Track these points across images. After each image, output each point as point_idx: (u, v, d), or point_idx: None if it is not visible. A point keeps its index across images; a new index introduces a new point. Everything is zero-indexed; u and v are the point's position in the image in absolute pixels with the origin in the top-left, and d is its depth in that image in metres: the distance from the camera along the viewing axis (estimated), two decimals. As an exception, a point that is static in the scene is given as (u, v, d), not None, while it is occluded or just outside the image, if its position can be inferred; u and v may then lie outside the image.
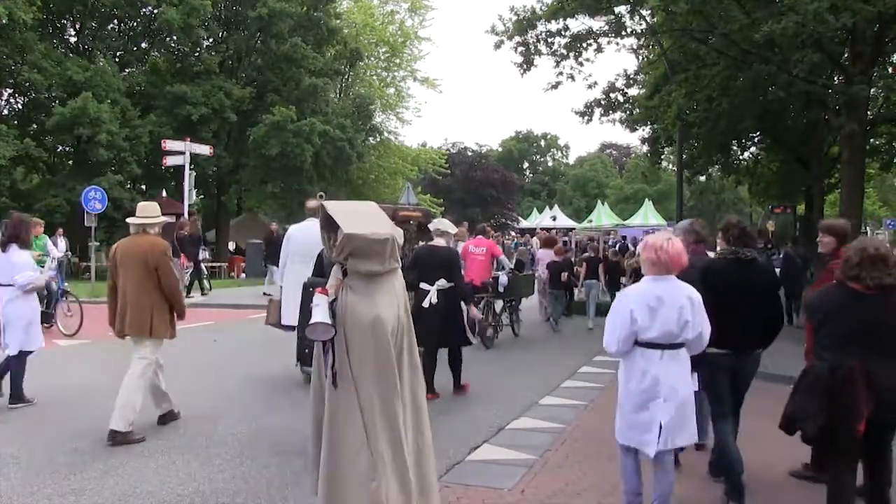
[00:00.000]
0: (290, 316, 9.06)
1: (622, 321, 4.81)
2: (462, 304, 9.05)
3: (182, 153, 23.46)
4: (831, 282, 5.00)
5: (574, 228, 45.20)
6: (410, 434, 4.29)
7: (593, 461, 6.43)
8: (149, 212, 7.27)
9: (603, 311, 11.55)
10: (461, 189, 55.15)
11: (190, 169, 23.69)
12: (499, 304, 13.87)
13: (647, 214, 51.81)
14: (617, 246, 27.29)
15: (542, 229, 41.95)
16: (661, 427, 4.72)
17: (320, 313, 4.07)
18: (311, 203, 9.77)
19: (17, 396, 8.05)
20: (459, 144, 65.62)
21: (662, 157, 31.79)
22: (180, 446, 6.61)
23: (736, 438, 5.58)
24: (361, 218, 4.38)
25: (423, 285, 8.70)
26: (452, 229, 9.46)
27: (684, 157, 23.88)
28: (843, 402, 4.50)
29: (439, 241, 9.14)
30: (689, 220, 7.19)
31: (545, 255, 17.05)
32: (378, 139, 43.51)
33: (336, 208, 4.40)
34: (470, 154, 63.09)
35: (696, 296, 4.89)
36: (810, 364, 4.88)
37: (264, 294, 19.03)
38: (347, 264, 4.21)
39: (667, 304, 4.78)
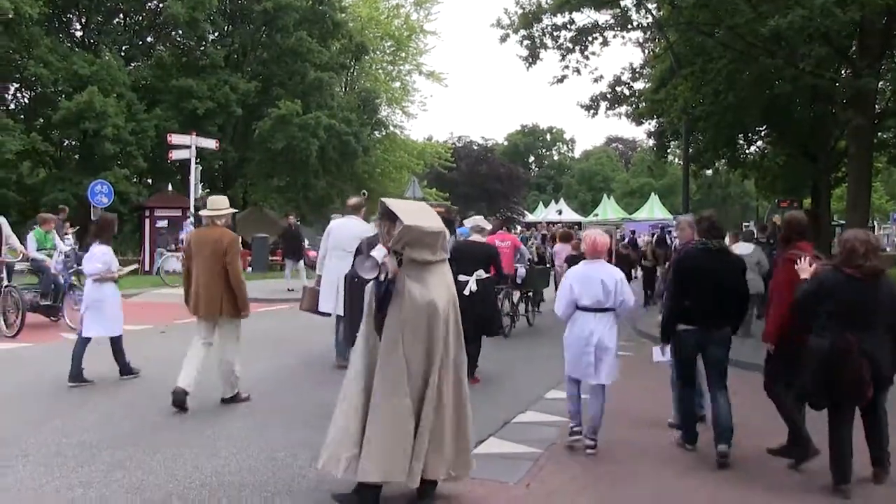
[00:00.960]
0: (327, 304, 9.86)
1: (565, 292, 6.60)
2: (498, 294, 10.15)
3: (188, 147, 23.46)
4: (790, 270, 5.96)
5: (580, 223, 45.09)
6: (451, 409, 4.99)
7: (598, 456, 6.48)
8: (218, 205, 8.09)
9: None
10: (467, 183, 55.08)
11: (196, 163, 23.70)
12: (516, 295, 14.41)
13: (654, 208, 51.95)
14: (626, 240, 27.37)
15: (547, 223, 41.90)
16: (594, 365, 6.45)
17: (378, 254, 4.83)
18: (353, 200, 10.76)
19: (125, 370, 9.21)
20: (465, 138, 65.68)
21: (668, 150, 31.78)
22: (188, 440, 6.65)
23: (730, 410, 6.34)
24: (417, 213, 5.08)
25: (462, 277, 9.00)
26: (488, 226, 10.56)
27: (690, 150, 23.84)
28: (851, 375, 5.36)
29: (477, 237, 9.90)
30: (691, 213, 8.20)
31: (562, 249, 17.45)
32: (384, 133, 43.51)
33: (395, 204, 5.10)
34: (476, 148, 63.08)
35: (620, 274, 6.61)
36: (809, 341, 5.58)
37: (289, 290, 19.36)
38: (403, 253, 4.90)
39: (594, 279, 6.50)
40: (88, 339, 9.01)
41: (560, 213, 54.49)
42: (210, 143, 25.23)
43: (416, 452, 4.82)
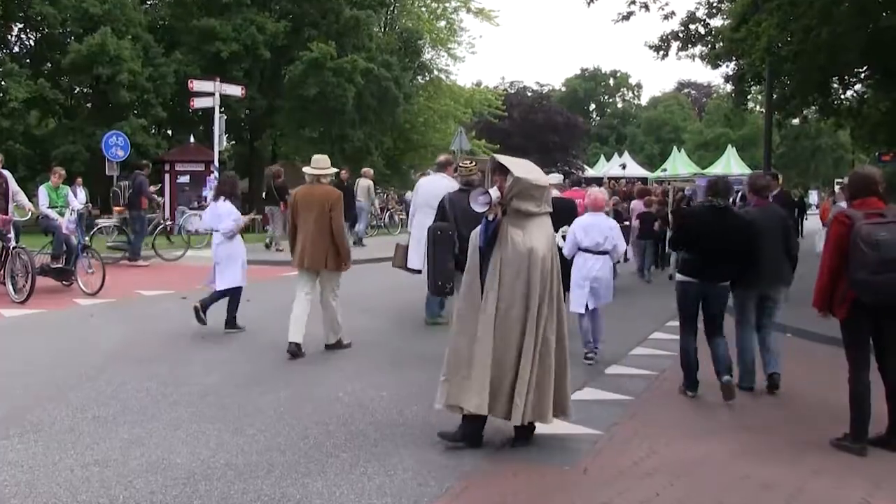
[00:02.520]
0: (416, 260, 10.99)
1: (572, 238, 9.22)
2: None
3: (211, 94, 23.60)
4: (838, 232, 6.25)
5: (646, 178, 44.48)
6: (551, 354, 5.87)
7: (664, 438, 6.45)
8: (322, 164, 9.41)
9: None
10: (520, 133, 54.65)
11: (220, 112, 23.86)
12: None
13: (730, 162, 50.73)
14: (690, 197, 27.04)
15: (609, 179, 41.43)
16: (592, 293, 9.14)
17: (494, 193, 5.84)
18: (442, 157, 12.32)
19: (231, 323, 10.53)
20: (518, 84, 65.23)
21: (749, 97, 31.06)
22: (211, 415, 6.74)
23: (726, 348, 7.63)
24: (525, 167, 6.04)
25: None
26: (556, 181, 11.38)
27: (774, 96, 23.31)
28: None
29: (556, 193, 10.61)
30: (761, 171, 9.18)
31: (637, 206, 18.41)
32: (427, 78, 43.31)
33: (505, 158, 6.12)
34: (530, 95, 62.62)
35: (615, 224, 9.54)
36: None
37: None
38: (511, 204, 5.83)
39: (594, 228, 9.21)
40: (224, 292, 10.51)
41: (624, 167, 53.95)
42: (236, 90, 25.39)
43: (517, 390, 5.71)
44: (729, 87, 29.90)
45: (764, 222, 7.89)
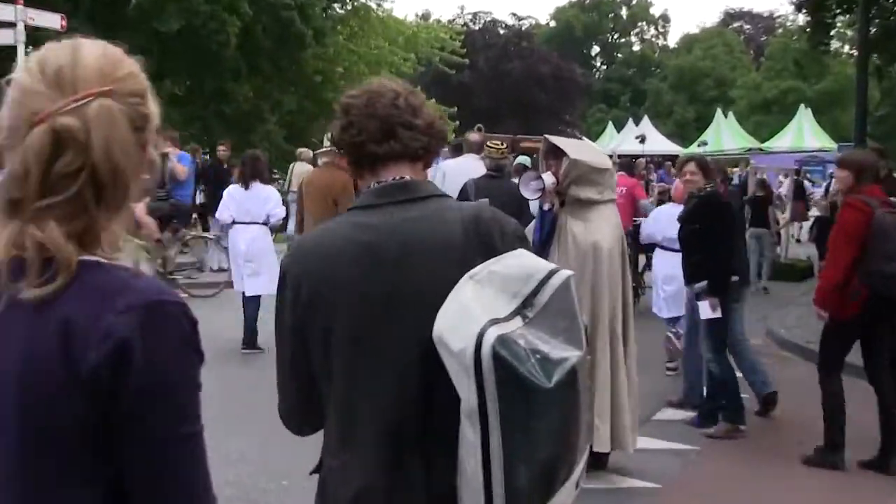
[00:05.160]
0: None
1: (652, 227, 12.08)
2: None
3: (12, 26, 22.99)
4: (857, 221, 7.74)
5: (674, 157, 43.20)
6: (624, 366, 7.07)
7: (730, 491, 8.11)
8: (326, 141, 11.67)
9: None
10: (487, 90, 54.43)
11: (26, 52, 23.18)
12: (641, 260, 16.69)
13: (803, 131, 48.09)
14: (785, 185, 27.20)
15: (620, 157, 40.47)
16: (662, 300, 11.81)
17: (548, 179, 6.82)
18: (474, 136, 13.66)
19: (252, 342, 12.74)
20: (485, 16, 65.02)
21: (832, 34, 31.10)
22: (226, 422, 8.12)
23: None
24: (582, 147, 7.21)
25: None
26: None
27: (871, 31, 23.17)
28: None
29: None
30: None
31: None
32: (349, 7, 42.95)
33: (558, 139, 7.22)
34: (502, 33, 62.57)
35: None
36: None
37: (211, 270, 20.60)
38: (569, 192, 6.87)
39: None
40: (257, 298, 12.57)
41: (643, 140, 48.80)
42: (52, 20, 24.72)
43: (597, 408, 6.69)
44: (802, 19, 29.94)
45: None
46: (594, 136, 60.12)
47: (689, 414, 10.25)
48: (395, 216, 3.02)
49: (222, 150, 23.10)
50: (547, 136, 7.38)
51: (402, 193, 3.08)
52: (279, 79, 36.42)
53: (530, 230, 6.92)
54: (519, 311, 2.78)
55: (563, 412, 2.74)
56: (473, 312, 2.74)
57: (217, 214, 14.06)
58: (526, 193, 6.75)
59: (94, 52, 2.07)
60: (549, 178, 6.74)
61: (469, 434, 2.76)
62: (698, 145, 48.73)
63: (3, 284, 1.85)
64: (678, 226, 9.99)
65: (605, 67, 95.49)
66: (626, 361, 7.15)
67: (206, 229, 23.60)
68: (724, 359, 9.55)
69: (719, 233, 9.29)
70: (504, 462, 2.70)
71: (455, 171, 12.47)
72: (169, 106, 34.31)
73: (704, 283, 9.24)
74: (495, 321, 2.72)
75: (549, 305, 2.81)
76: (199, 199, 23.09)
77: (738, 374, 9.90)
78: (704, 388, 10.13)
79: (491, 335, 2.64)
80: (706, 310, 9.32)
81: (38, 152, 1.86)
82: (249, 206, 12.68)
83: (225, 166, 22.18)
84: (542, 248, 6.70)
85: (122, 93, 1.99)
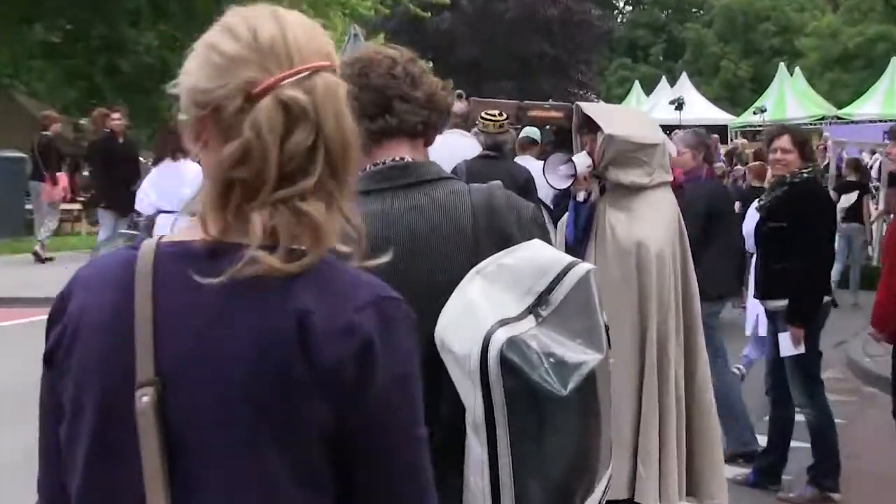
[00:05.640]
0: None
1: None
2: None
3: None
4: None
5: (725, 127, 40.00)
6: (680, 398, 5.59)
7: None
8: None
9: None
10: (472, 40, 49.70)
11: None
12: None
13: (893, 93, 40.14)
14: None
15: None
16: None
17: (581, 161, 5.53)
18: (456, 105, 11.11)
19: None
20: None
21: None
22: None
23: None
24: (623, 119, 6.00)
25: None
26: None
27: None
28: None
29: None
30: None
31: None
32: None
33: (593, 108, 6.05)
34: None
35: None
36: None
37: None
38: (607, 175, 5.60)
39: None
40: None
41: (679, 106, 43.86)
42: None
43: (640, 457, 5.48)
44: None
45: None
46: (616, 101, 49.98)
47: (740, 470, 8.47)
48: (397, 204, 2.81)
49: (116, 120, 18.47)
50: (579, 103, 6.16)
51: (403, 177, 2.88)
52: (192, 24, 28.04)
53: (562, 225, 5.99)
54: (532, 309, 2.56)
55: (580, 423, 2.55)
56: (480, 312, 2.53)
57: (137, 206, 12.11)
58: (553, 182, 5.72)
59: (300, 22, 1.95)
60: (582, 159, 5.59)
61: (475, 448, 2.58)
62: (754, 112, 41.25)
63: (205, 268, 1.76)
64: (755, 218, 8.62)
65: (630, 9, 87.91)
66: (696, 395, 5.80)
67: (92, 224, 22.69)
68: (821, 403, 7.99)
69: (816, 235, 7.77)
70: (514, 480, 2.52)
71: (438, 153, 10.53)
72: (41, 59, 30.91)
73: (784, 302, 7.75)
74: (505, 321, 2.52)
75: (566, 303, 2.58)
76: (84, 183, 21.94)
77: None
78: (748, 432, 8.73)
79: (499, 337, 2.43)
80: (787, 345, 7.72)
81: (271, 128, 1.77)
82: (177, 188, 10.33)
83: (120, 141, 18.41)
84: (577, 248, 5.63)
85: (337, 68, 1.93)
